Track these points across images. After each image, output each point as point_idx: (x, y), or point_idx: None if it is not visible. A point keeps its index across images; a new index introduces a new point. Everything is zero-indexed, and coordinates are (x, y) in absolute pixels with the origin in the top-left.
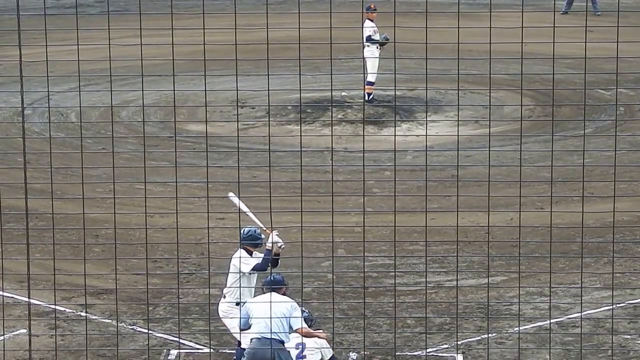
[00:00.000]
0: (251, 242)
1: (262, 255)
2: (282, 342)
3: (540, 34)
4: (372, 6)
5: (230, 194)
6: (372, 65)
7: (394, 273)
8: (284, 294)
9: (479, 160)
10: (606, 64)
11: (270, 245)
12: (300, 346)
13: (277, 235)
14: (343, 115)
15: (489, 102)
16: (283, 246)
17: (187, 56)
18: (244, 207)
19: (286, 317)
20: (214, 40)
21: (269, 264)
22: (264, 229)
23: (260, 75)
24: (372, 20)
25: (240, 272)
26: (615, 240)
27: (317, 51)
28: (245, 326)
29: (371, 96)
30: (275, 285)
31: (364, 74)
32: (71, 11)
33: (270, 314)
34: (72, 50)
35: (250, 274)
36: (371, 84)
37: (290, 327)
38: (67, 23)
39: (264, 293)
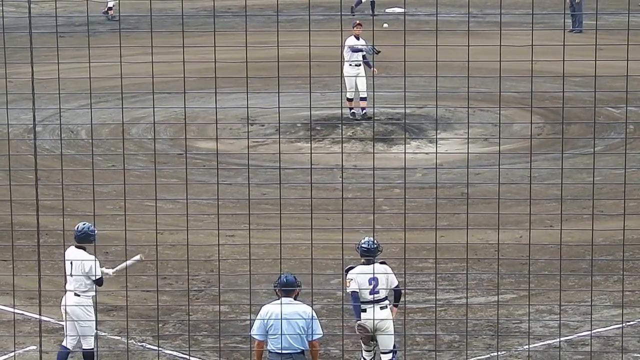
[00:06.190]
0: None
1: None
2: (303, 352)
3: (549, 52)
4: (357, 21)
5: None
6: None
7: (403, 290)
8: (296, 296)
9: (488, 178)
10: (615, 82)
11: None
12: (373, 281)
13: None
14: (352, 132)
15: (499, 120)
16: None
17: (197, 74)
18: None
19: (305, 330)
20: (223, 58)
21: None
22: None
23: (270, 92)
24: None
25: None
26: (625, 259)
27: (326, 69)
28: (259, 331)
29: (364, 111)
30: (288, 288)
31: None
32: (81, 29)
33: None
34: (82, 68)
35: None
36: (365, 99)
37: (308, 335)
38: (77, 41)
39: (278, 297)
